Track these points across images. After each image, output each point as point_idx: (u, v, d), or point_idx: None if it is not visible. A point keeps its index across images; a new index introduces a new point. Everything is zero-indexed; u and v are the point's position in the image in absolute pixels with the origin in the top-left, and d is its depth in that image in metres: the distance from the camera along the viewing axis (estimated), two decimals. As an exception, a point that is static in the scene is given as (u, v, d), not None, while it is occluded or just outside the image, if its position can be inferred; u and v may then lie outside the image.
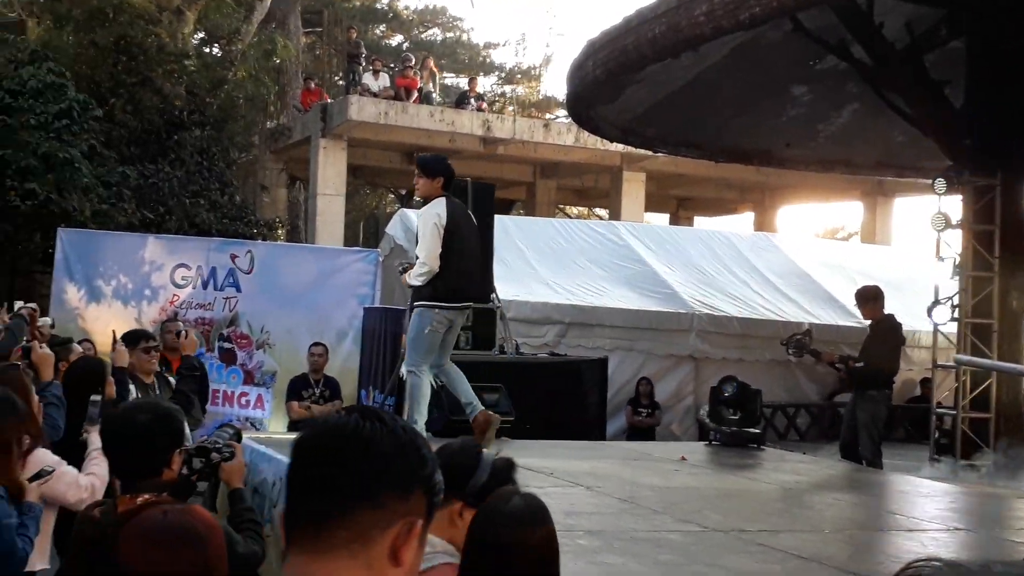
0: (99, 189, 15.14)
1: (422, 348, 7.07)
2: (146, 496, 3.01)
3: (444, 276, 6.96)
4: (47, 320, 7.78)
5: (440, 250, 6.91)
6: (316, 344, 10.65)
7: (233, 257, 12.06)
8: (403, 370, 7.05)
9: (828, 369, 14.34)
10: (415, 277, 7.01)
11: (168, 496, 3.06)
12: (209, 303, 11.91)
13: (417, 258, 7.06)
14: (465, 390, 7.33)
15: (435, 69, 24.43)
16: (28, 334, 6.33)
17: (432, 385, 7.33)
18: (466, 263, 7.15)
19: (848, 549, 5.24)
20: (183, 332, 6.32)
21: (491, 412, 7.26)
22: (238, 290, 11.97)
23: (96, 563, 2.81)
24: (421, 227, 7.01)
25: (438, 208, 6.94)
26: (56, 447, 4.65)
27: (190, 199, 16.58)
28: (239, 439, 4.05)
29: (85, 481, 4.31)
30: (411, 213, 14.78)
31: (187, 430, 3.49)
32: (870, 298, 10.17)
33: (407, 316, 9.31)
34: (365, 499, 1.41)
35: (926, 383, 14.89)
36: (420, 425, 6.88)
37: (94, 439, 4.52)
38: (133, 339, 6.49)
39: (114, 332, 6.80)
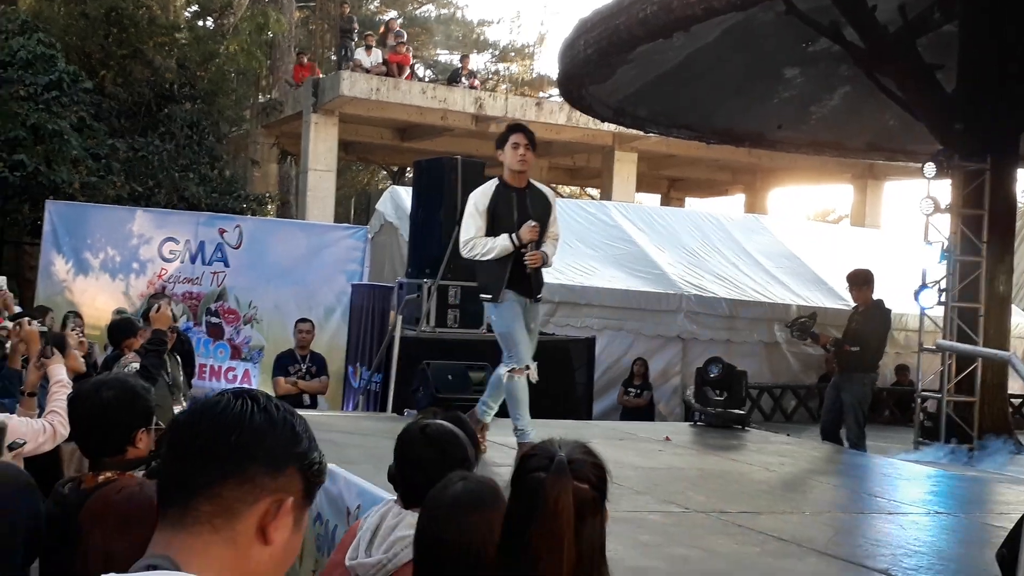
0: (88, 161, 15.07)
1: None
2: (107, 474, 2.99)
3: None
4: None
5: None
6: (303, 320, 10.65)
7: (222, 232, 12.04)
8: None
9: (820, 351, 14.42)
10: (551, 258, 6.33)
11: (132, 475, 3.06)
12: (197, 277, 11.90)
13: (555, 239, 6.40)
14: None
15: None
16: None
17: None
18: None
19: (828, 531, 5.27)
20: (156, 306, 6.26)
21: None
22: (226, 265, 11.96)
23: (63, 539, 2.82)
24: (556, 207, 6.47)
25: None
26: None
27: (179, 172, 16.51)
28: None
29: (38, 424, 4.25)
30: (401, 190, 14.77)
31: (154, 407, 3.43)
32: (861, 282, 10.17)
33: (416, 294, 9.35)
34: (231, 473, 1.38)
35: (902, 370, 14.97)
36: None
37: (54, 371, 4.57)
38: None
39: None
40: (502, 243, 6.09)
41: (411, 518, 2.75)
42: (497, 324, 6.28)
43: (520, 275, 6.15)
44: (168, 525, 1.39)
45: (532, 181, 6.30)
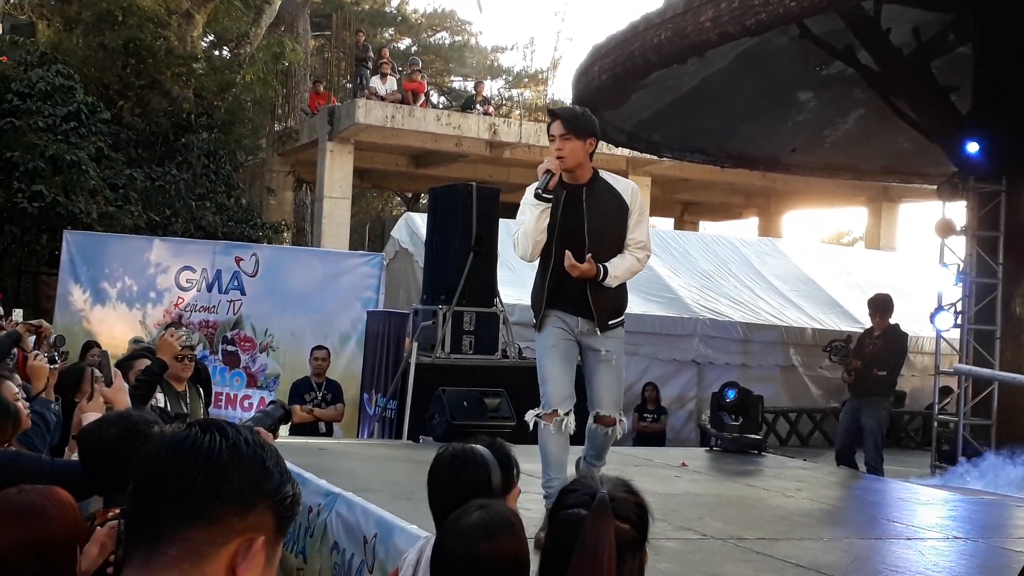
0: (106, 191, 15.19)
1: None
2: (116, 510, 2.95)
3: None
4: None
5: None
6: (318, 348, 10.67)
7: (238, 260, 12.10)
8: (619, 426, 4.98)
9: (836, 375, 14.34)
10: (632, 272, 4.89)
11: None
12: (213, 306, 11.95)
13: (639, 249, 4.94)
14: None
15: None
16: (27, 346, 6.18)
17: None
18: None
19: (846, 558, 5.24)
20: (160, 333, 5.92)
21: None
22: (243, 293, 12.01)
23: None
24: (645, 215, 5.04)
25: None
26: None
27: (196, 202, 16.62)
28: (285, 419, 3.85)
29: None
30: (416, 217, 14.83)
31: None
32: (882, 307, 10.15)
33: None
34: (199, 515, 1.33)
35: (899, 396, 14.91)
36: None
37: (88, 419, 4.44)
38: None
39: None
40: (528, 211, 4.78)
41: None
42: (536, 352, 5.04)
43: (569, 289, 4.83)
44: (135, 568, 1.34)
45: (603, 174, 4.96)
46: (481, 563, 2.37)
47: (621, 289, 4.95)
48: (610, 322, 4.89)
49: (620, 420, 4.96)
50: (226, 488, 1.35)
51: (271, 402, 4.30)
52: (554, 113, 4.92)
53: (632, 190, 4.97)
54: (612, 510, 2.01)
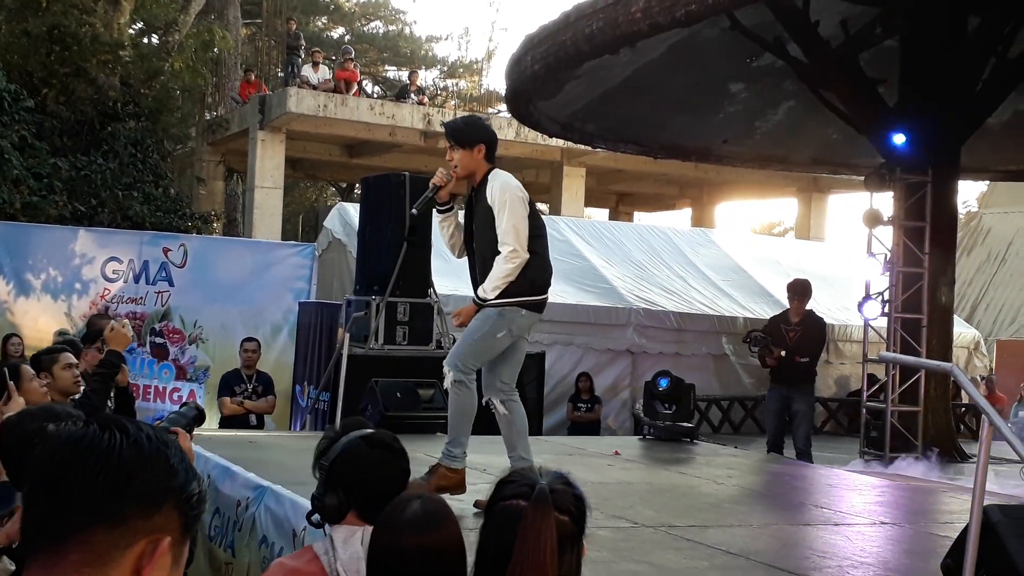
0: (30, 181, 14.84)
1: (483, 354, 5.40)
2: None
3: (533, 267, 5.33)
4: None
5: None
6: (248, 339, 10.54)
7: (166, 251, 11.91)
8: (448, 378, 5.32)
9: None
10: (505, 276, 5.20)
11: None
12: (141, 297, 11.75)
13: (504, 245, 5.23)
14: (518, 440, 5.55)
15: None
16: None
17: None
18: (547, 250, 5.54)
19: (775, 544, 5.29)
20: (110, 325, 5.80)
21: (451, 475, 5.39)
22: (171, 284, 11.82)
23: None
24: (507, 204, 5.22)
25: (514, 181, 5.35)
26: None
27: (123, 191, 16.30)
28: (200, 420, 3.74)
29: None
30: (349, 207, 14.69)
31: None
32: (801, 291, 10.30)
33: (358, 310, 9.04)
34: (101, 518, 1.27)
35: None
36: (461, 456, 5.39)
37: None
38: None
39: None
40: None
41: None
42: None
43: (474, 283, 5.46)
44: (37, 572, 1.28)
45: (492, 174, 5.31)
46: (424, 555, 2.32)
47: (517, 278, 5.26)
48: (482, 298, 5.28)
49: (447, 371, 5.34)
50: (129, 488, 1.29)
51: (184, 403, 4.24)
52: (444, 127, 5.44)
53: (497, 186, 5.26)
54: (552, 502, 1.98)
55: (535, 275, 5.35)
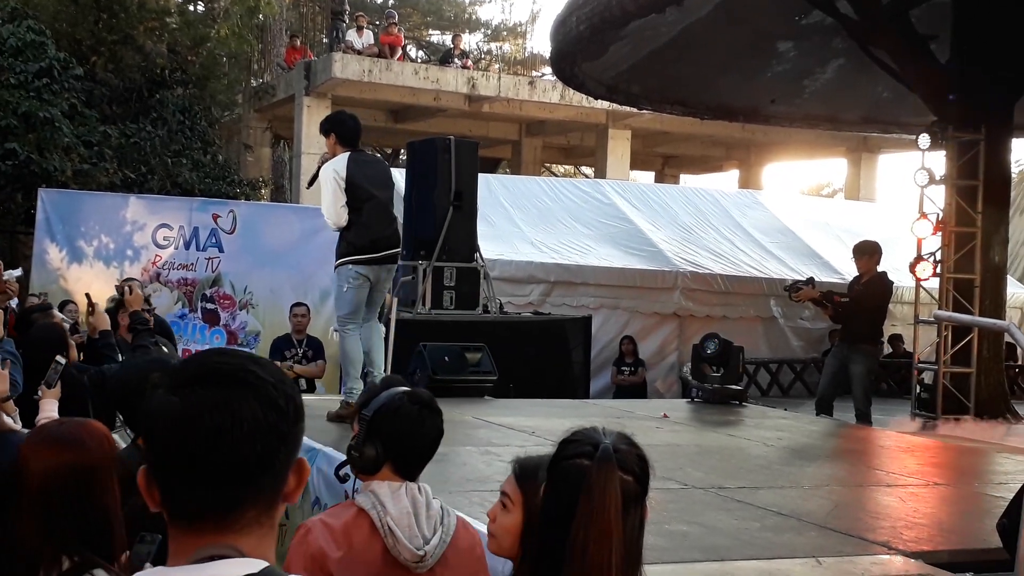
0: (80, 149, 15.00)
1: (345, 307, 6.91)
2: None
3: (353, 231, 6.90)
4: (13, 273, 7.46)
5: (344, 205, 6.87)
6: (298, 304, 10.62)
7: (215, 217, 11.99)
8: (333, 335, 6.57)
9: (817, 325, 14.39)
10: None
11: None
12: (191, 263, 11.85)
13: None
14: (374, 357, 6.98)
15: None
16: None
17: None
18: (374, 217, 6.99)
19: (827, 505, 5.26)
20: (127, 288, 5.96)
21: (349, 408, 6.25)
22: (220, 250, 11.90)
23: None
24: (322, 184, 7.04)
25: (336, 164, 6.90)
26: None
27: (172, 158, 16.45)
28: None
29: None
30: (395, 172, 14.71)
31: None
32: (867, 252, 10.12)
33: (396, 274, 9.30)
34: (268, 472, 1.37)
35: (895, 340, 14.97)
36: (356, 389, 6.55)
37: (46, 405, 4.43)
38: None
39: (88, 296, 6.66)
40: None
41: (428, 488, 2.92)
42: None
43: None
44: (208, 533, 1.35)
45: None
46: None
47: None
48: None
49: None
50: (278, 443, 1.38)
51: None
52: None
53: (321, 167, 7.07)
54: (616, 461, 1.98)
55: (354, 239, 6.87)
